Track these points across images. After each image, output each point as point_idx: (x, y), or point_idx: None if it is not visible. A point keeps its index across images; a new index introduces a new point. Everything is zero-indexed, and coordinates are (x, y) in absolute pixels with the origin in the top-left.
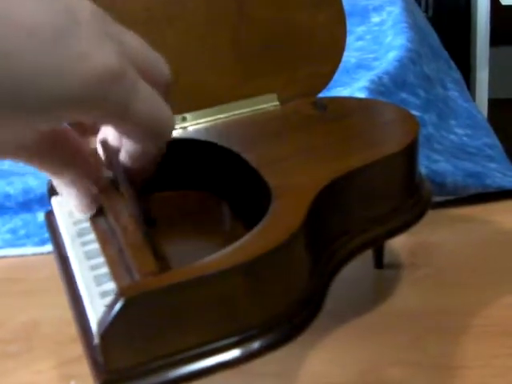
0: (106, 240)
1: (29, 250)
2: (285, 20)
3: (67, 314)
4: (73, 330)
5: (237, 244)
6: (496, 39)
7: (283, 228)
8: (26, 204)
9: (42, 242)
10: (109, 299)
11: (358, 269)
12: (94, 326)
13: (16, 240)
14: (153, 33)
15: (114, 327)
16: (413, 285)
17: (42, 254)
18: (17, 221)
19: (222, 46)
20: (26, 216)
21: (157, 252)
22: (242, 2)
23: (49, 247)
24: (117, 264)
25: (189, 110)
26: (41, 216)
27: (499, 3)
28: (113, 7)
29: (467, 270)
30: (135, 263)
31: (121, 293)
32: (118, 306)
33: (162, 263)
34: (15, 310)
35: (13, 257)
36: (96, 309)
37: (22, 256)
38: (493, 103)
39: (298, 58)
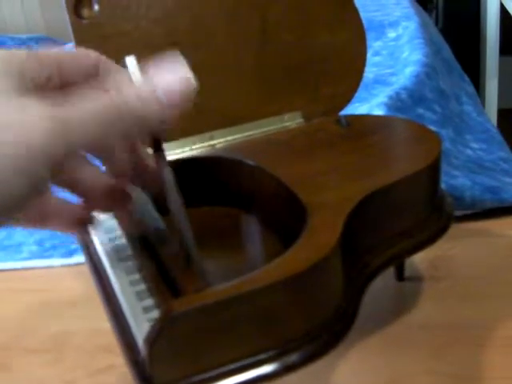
0: (144, 256)
1: (56, 261)
2: (307, 40)
3: (96, 324)
4: (102, 340)
5: (278, 260)
6: (505, 49)
7: (321, 245)
8: None
9: (69, 254)
10: (152, 314)
11: (379, 281)
12: (139, 340)
13: (43, 252)
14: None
15: (162, 342)
16: (434, 297)
17: (69, 265)
18: (43, 232)
19: (247, 66)
20: None
21: (201, 269)
22: (265, 25)
23: (76, 259)
24: (157, 280)
25: (216, 129)
26: None
27: (509, 13)
28: (135, 32)
29: (487, 283)
30: (180, 280)
31: (168, 309)
32: (165, 322)
33: (204, 279)
34: (44, 321)
35: (40, 268)
36: (140, 323)
37: (49, 267)
38: (502, 113)
39: (321, 76)
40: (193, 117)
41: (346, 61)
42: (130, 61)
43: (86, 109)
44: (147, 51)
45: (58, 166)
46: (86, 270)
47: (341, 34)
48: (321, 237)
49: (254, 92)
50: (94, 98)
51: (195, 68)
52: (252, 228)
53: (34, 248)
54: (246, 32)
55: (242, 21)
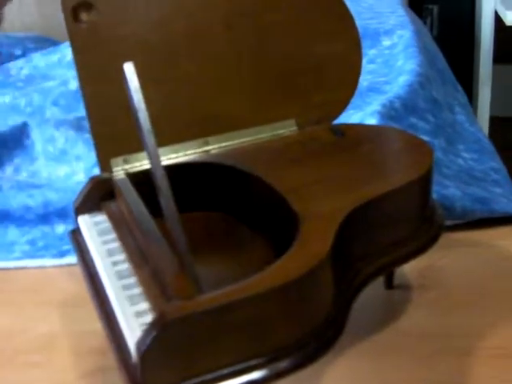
0: (137, 261)
1: (48, 261)
2: (303, 50)
3: (86, 326)
4: (92, 342)
5: (269, 269)
6: (499, 57)
7: (312, 254)
8: (45, 216)
9: (61, 255)
10: (144, 319)
11: (368, 289)
12: (131, 344)
13: (35, 251)
14: (173, 63)
15: (154, 348)
16: (422, 306)
17: (60, 265)
18: (36, 232)
19: (243, 74)
20: (45, 228)
21: (194, 274)
22: (263, 34)
23: (67, 259)
24: (151, 285)
25: (211, 135)
26: (59, 228)
27: (503, 22)
28: (133, 37)
29: (474, 293)
30: (172, 286)
31: (161, 316)
32: (157, 329)
33: (196, 285)
34: (35, 321)
35: (32, 268)
36: (132, 328)
37: (41, 267)
38: (494, 121)
39: (316, 84)
40: (188, 122)
41: (341, 70)
42: (128, 67)
43: None
44: (144, 56)
45: None
46: (78, 271)
47: (336, 44)
48: (312, 246)
49: (249, 99)
50: None
51: (191, 74)
52: (244, 234)
53: (27, 248)
54: (242, 40)
55: (237, 29)
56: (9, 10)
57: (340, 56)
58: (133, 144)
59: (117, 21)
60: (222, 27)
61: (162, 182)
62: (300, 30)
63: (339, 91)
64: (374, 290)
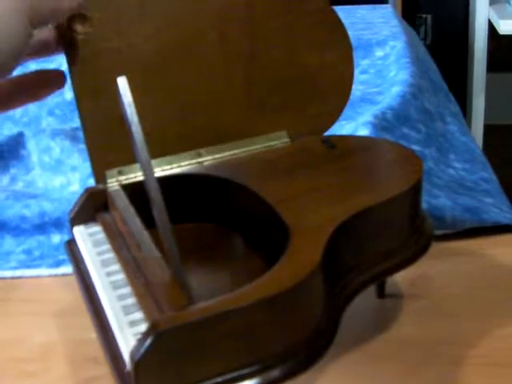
0: (131, 271)
1: (44, 271)
2: (295, 60)
3: (82, 335)
4: (88, 351)
5: (260, 280)
6: (493, 66)
7: (303, 265)
8: (41, 226)
9: (57, 264)
10: (138, 328)
11: (360, 298)
12: (125, 354)
13: (31, 261)
14: (167, 75)
15: (147, 358)
16: (412, 314)
17: (56, 275)
18: (31, 242)
19: (236, 85)
20: (41, 238)
21: (186, 285)
22: (255, 43)
23: (63, 269)
24: (144, 295)
25: (204, 146)
26: (55, 238)
27: (496, 31)
28: (127, 49)
29: (464, 302)
30: (165, 297)
31: (154, 326)
32: (151, 338)
33: (189, 296)
34: (32, 331)
35: (28, 277)
36: (126, 337)
37: (37, 277)
38: (488, 129)
39: (308, 96)
40: (181, 134)
41: (334, 81)
42: (121, 82)
43: None
44: (138, 67)
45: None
46: (73, 281)
47: (329, 55)
48: (303, 257)
49: (241, 110)
50: None
51: (184, 85)
52: (237, 246)
53: (22, 257)
54: (235, 50)
55: (231, 39)
56: None
57: (332, 66)
58: (127, 156)
59: (111, 32)
60: (216, 37)
61: (155, 194)
62: (292, 40)
63: (331, 102)
64: (366, 298)
